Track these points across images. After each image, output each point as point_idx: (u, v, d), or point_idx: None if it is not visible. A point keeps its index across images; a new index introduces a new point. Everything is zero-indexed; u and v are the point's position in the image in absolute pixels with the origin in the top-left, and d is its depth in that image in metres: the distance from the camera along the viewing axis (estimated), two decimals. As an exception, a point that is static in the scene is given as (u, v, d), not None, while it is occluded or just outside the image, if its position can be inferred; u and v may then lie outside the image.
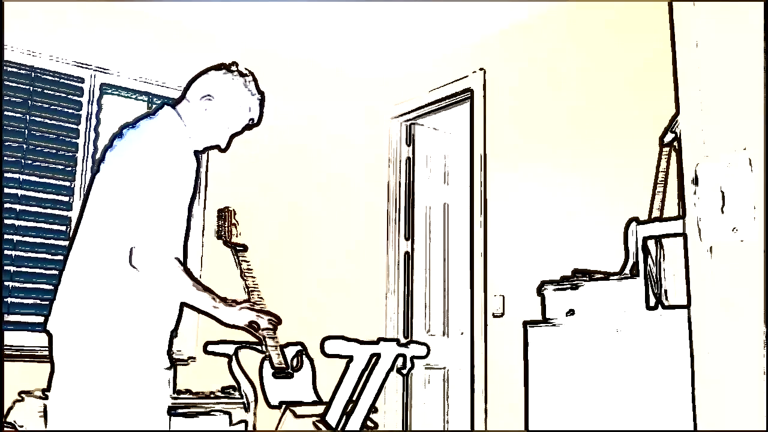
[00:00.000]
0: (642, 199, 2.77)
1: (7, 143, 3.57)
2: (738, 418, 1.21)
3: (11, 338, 3.40)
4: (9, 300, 3.48)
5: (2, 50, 3.48)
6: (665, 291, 2.50)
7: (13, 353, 3.34)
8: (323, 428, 2.68)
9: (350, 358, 2.71)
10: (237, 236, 2.89)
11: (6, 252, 3.50)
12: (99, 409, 1.85)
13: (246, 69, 2.19)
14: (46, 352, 1.93)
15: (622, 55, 3.53)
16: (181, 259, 1.94)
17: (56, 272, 2.02)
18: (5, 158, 3.55)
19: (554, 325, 2.69)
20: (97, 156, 2.31)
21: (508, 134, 4.09)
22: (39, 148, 3.67)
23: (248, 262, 2.84)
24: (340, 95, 4.72)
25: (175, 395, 3.03)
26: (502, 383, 3.81)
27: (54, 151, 3.71)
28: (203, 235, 3.83)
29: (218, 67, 2.17)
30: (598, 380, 2.54)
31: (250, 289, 2.74)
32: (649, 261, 2.52)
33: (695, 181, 1.29)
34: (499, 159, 4.11)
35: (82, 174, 3.75)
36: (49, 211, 3.66)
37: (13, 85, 3.64)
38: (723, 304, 1.25)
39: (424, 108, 4.67)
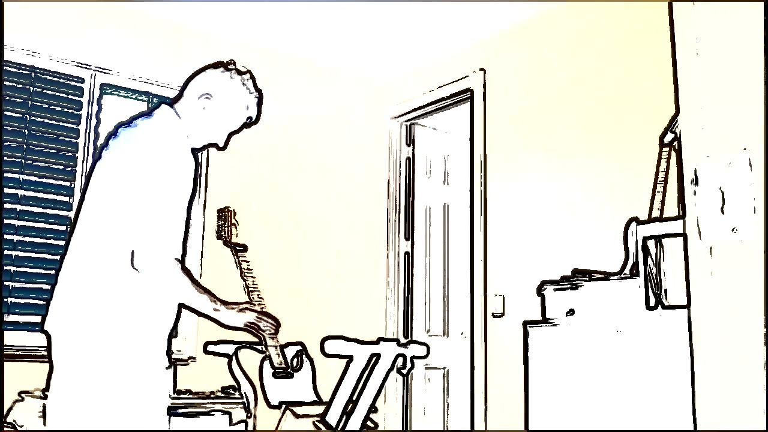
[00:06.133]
0: (642, 199, 2.77)
1: (7, 143, 3.56)
2: (738, 418, 1.21)
3: (11, 338, 3.40)
4: (9, 300, 3.48)
5: (2, 50, 3.48)
6: (665, 291, 2.50)
7: (13, 353, 3.34)
8: (323, 428, 2.68)
9: (350, 358, 2.71)
10: (237, 236, 2.89)
11: (6, 252, 3.50)
12: (98, 409, 1.85)
13: (243, 67, 2.19)
14: (46, 352, 1.93)
15: (622, 55, 3.53)
16: (181, 260, 1.93)
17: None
18: (5, 158, 3.55)
19: (554, 325, 2.69)
20: (95, 155, 2.30)
21: (508, 134, 4.09)
22: (39, 148, 3.67)
23: (248, 262, 2.84)
24: (340, 95, 4.72)
25: (175, 395, 3.03)
26: (502, 383, 3.81)
27: (54, 151, 3.71)
28: (203, 235, 3.83)
29: (216, 66, 2.16)
30: (598, 380, 2.54)
31: (250, 289, 2.74)
32: (649, 261, 2.51)
33: (695, 181, 1.29)
34: (499, 159, 4.10)
35: (82, 174, 3.75)
36: (49, 211, 3.65)
37: (13, 85, 3.64)
38: (723, 304, 1.25)
39: (424, 108, 4.67)
